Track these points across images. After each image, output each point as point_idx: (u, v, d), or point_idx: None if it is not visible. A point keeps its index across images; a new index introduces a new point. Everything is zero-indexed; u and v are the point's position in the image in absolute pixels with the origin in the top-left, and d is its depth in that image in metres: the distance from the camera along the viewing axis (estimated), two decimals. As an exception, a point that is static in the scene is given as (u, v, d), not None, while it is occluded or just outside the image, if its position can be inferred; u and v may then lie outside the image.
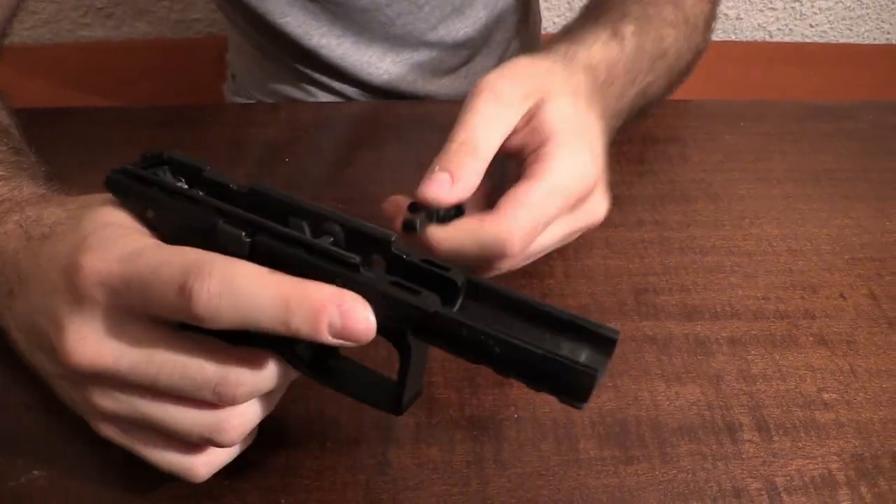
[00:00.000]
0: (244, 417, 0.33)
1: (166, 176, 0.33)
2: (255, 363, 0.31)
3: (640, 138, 0.61)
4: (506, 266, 0.40)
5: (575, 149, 0.41)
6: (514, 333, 0.28)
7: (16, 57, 0.57)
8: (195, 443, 0.33)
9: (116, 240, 0.31)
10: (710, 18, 0.62)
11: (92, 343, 0.30)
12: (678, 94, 0.61)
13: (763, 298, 0.49)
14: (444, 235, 0.38)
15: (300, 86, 0.75)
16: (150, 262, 0.29)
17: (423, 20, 0.70)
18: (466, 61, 0.76)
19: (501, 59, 0.78)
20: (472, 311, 0.30)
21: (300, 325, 0.28)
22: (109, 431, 0.34)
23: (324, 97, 0.74)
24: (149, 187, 0.32)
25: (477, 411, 0.42)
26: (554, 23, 1.22)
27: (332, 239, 0.30)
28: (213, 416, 0.32)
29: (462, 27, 0.73)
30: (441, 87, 0.76)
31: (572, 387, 0.28)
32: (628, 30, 0.51)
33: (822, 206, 0.56)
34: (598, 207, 0.43)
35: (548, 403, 0.43)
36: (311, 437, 0.40)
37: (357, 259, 0.28)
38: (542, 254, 0.43)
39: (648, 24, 0.53)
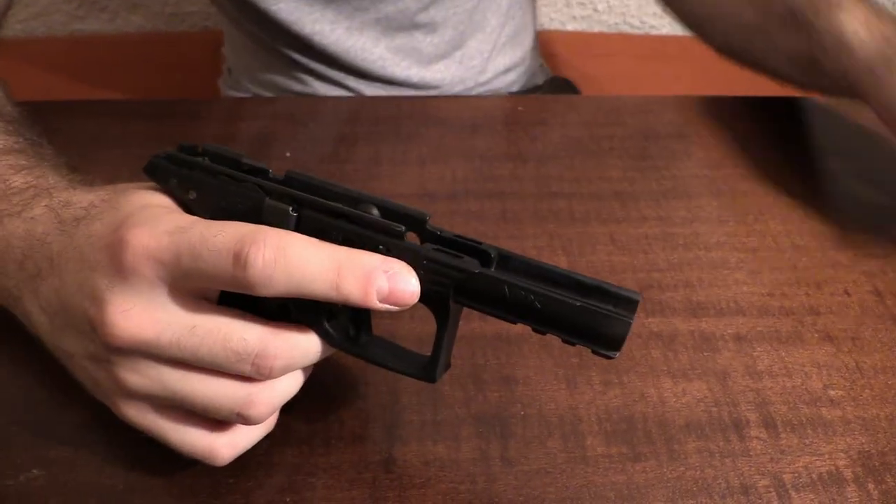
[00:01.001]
0: (274, 392, 0.33)
1: (205, 162, 0.34)
2: (293, 337, 0.32)
3: (641, 134, 0.60)
4: None
5: None
6: (551, 289, 0.30)
7: (8, 50, 0.57)
8: (222, 419, 0.34)
9: (161, 216, 0.32)
10: None
11: (135, 316, 0.31)
12: (681, 90, 0.61)
13: (768, 295, 0.49)
14: None
15: (296, 76, 0.74)
16: (202, 233, 0.30)
17: (416, 3, 0.70)
18: (460, 46, 0.75)
19: (496, 45, 0.78)
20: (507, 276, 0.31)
21: (350, 290, 0.30)
22: (132, 412, 0.34)
23: (320, 86, 0.73)
24: (191, 170, 0.33)
25: (483, 408, 0.41)
26: (551, 18, 1.22)
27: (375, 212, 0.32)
28: (245, 389, 0.32)
29: (453, 8, 0.72)
30: (436, 72, 0.75)
31: (609, 335, 0.30)
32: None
33: (826, 202, 0.56)
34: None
35: (554, 400, 0.42)
36: (316, 435, 0.40)
37: (402, 228, 0.31)
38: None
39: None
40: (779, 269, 0.51)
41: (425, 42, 0.72)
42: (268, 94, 0.78)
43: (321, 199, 0.32)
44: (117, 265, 0.31)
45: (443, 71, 0.75)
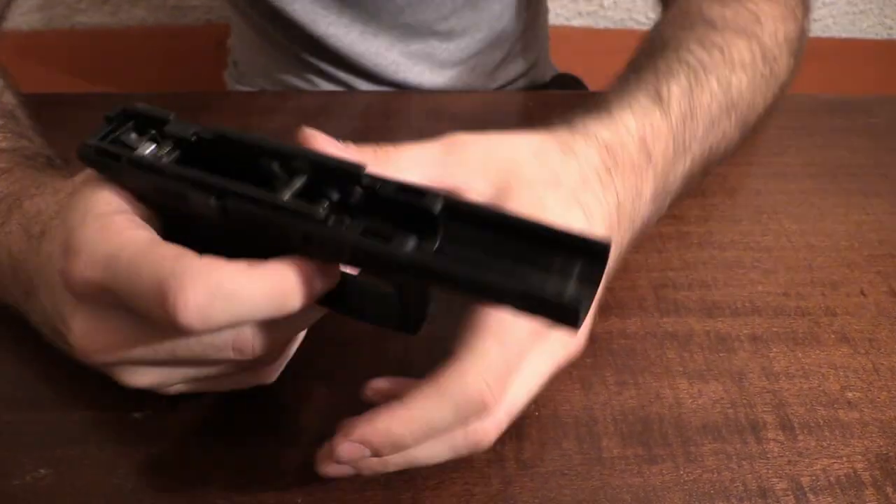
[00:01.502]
0: (273, 353, 0.33)
1: (130, 137, 0.31)
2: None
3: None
4: (489, 431, 0.34)
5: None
6: (494, 269, 0.27)
7: (10, 42, 0.56)
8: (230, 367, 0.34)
9: (98, 238, 0.29)
10: (798, 39, 0.52)
11: (98, 338, 0.30)
12: None
13: (784, 295, 0.48)
14: (397, 416, 0.32)
15: (304, 76, 0.74)
16: (129, 271, 0.28)
17: (434, 10, 0.69)
18: (476, 54, 0.75)
19: (510, 53, 0.77)
20: (456, 236, 0.28)
21: (293, 306, 0.29)
22: (171, 391, 0.35)
23: (329, 88, 0.72)
24: (116, 160, 0.30)
25: (497, 408, 0.41)
26: (557, 14, 1.21)
27: (303, 180, 0.28)
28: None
29: (474, 19, 0.72)
30: (448, 77, 0.74)
31: (560, 319, 0.26)
32: (676, 89, 0.43)
33: (839, 201, 0.56)
34: (573, 337, 0.36)
35: (569, 401, 0.42)
36: (329, 433, 0.39)
37: (322, 213, 0.27)
38: (523, 405, 0.36)
39: (708, 73, 0.45)
40: (794, 268, 0.50)
41: (441, 49, 0.72)
42: (275, 89, 0.77)
43: (245, 187, 0.28)
44: (69, 291, 0.30)
45: (454, 77, 0.74)
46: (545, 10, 0.84)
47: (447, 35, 0.72)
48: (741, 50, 0.48)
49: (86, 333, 0.30)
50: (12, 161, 0.41)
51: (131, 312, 0.29)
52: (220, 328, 0.28)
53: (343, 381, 0.41)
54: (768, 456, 0.40)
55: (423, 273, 0.27)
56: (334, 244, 0.28)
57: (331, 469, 0.34)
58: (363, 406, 0.40)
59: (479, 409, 0.31)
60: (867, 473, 0.39)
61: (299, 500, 0.37)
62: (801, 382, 0.43)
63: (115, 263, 0.28)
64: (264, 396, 0.39)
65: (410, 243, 0.27)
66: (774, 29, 0.50)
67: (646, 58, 0.48)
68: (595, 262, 0.26)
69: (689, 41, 0.47)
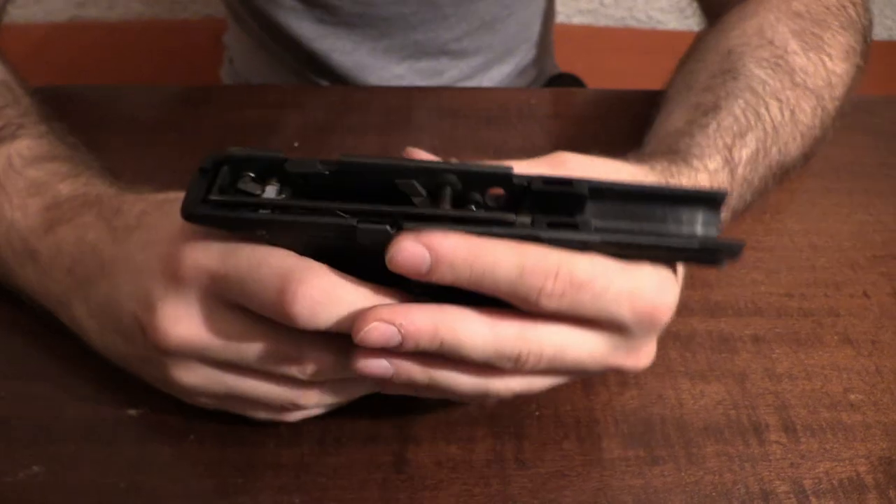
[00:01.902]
0: (317, 398, 0.35)
1: (248, 185, 0.30)
2: (337, 352, 0.32)
3: (657, 129, 0.59)
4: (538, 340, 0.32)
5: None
6: (643, 232, 0.31)
7: (7, 35, 0.55)
8: (275, 411, 0.36)
9: (216, 233, 0.31)
10: (852, 82, 0.53)
11: (185, 323, 0.31)
12: None
13: (786, 295, 0.48)
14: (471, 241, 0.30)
15: (297, 78, 0.73)
16: (249, 262, 0.30)
17: (447, 30, 0.68)
18: (485, 71, 0.74)
19: (518, 67, 0.77)
20: (604, 212, 0.31)
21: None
22: (201, 401, 0.36)
23: None
24: (248, 211, 0.29)
25: (497, 408, 0.40)
26: (557, 11, 1.20)
27: (449, 191, 0.30)
28: (292, 392, 0.34)
29: (488, 40, 0.71)
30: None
31: (719, 262, 0.31)
32: (745, 154, 0.44)
33: (843, 200, 0.55)
34: (646, 353, 0.35)
35: (570, 401, 0.41)
36: (327, 433, 0.39)
37: (513, 217, 0.30)
38: (531, 385, 0.34)
39: (776, 138, 0.46)
40: (797, 268, 0.50)
41: (451, 66, 0.71)
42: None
43: (418, 209, 0.29)
44: (171, 276, 0.31)
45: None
46: (552, 19, 0.84)
47: (459, 54, 0.71)
48: (807, 114, 0.49)
49: (174, 315, 0.31)
50: (77, 168, 0.41)
51: (227, 306, 0.31)
52: (320, 328, 0.30)
53: (341, 379, 0.41)
54: (770, 458, 0.39)
55: (611, 246, 0.30)
56: (526, 241, 0.30)
57: (373, 333, 0.29)
58: (366, 407, 0.40)
59: (541, 287, 0.29)
60: (870, 477, 0.39)
61: (297, 500, 0.36)
62: (803, 384, 0.43)
63: (234, 254, 0.30)
64: (262, 394, 0.39)
65: (589, 225, 0.30)
66: (840, 94, 0.51)
67: (721, 87, 0.47)
68: (713, 208, 0.31)
69: (766, 89, 0.47)
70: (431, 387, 0.32)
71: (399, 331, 0.29)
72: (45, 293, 0.38)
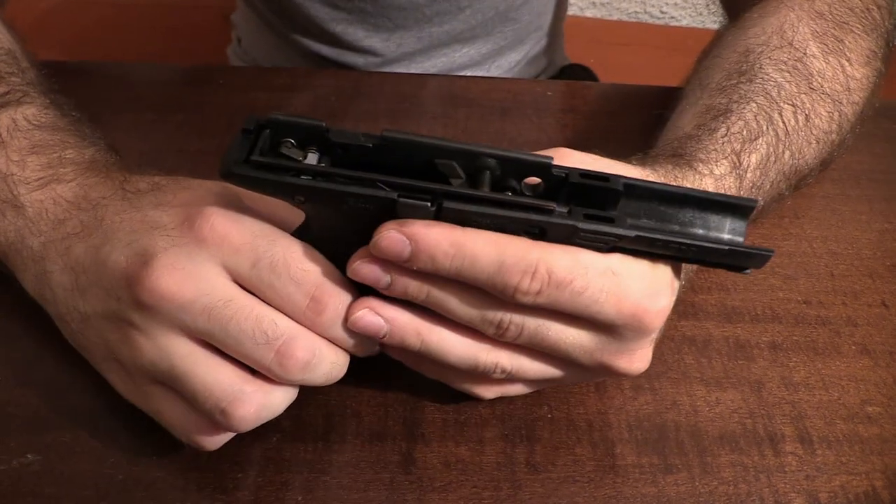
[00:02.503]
0: (267, 398, 0.32)
1: (290, 150, 0.30)
2: (321, 342, 0.32)
3: (674, 127, 0.58)
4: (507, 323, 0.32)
5: (652, 263, 0.33)
6: (686, 233, 0.32)
7: (12, 12, 0.53)
8: (203, 413, 0.32)
9: (245, 212, 0.32)
10: (872, 87, 0.51)
11: (178, 276, 0.31)
12: None
13: (804, 303, 0.47)
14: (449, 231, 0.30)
15: (307, 64, 0.71)
16: (286, 257, 0.31)
17: (462, 21, 0.67)
18: (495, 58, 0.73)
19: (527, 56, 0.75)
20: (633, 210, 0.32)
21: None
22: (135, 385, 0.33)
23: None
24: (290, 175, 0.29)
25: (508, 409, 0.39)
26: (570, 3, 1.19)
27: (488, 176, 0.30)
28: (241, 384, 0.32)
29: (503, 30, 0.69)
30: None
31: (747, 266, 0.32)
32: (755, 159, 0.43)
33: (862, 207, 0.54)
34: (639, 356, 0.34)
35: (582, 404, 0.40)
36: (332, 430, 0.38)
37: (553, 205, 0.29)
38: (521, 365, 0.34)
39: (789, 143, 0.45)
40: (815, 275, 0.48)
41: (461, 52, 0.69)
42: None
43: (458, 189, 0.29)
44: (189, 231, 0.31)
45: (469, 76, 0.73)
46: (566, 11, 0.82)
47: (470, 41, 0.69)
48: (823, 118, 0.47)
49: (171, 265, 0.31)
50: (86, 141, 0.40)
51: (229, 278, 0.31)
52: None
53: (351, 374, 0.40)
54: (786, 469, 0.38)
55: (643, 241, 0.30)
56: (566, 232, 0.30)
57: (362, 267, 0.31)
58: (373, 404, 0.39)
59: (517, 284, 0.30)
60: (886, 492, 0.38)
61: (300, 499, 0.35)
62: (820, 394, 0.42)
63: (270, 244, 0.31)
64: (266, 387, 0.38)
65: (624, 220, 0.30)
66: (859, 98, 0.50)
67: (735, 90, 0.46)
68: (741, 216, 0.32)
69: (781, 93, 0.46)
70: (424, 351, 0.33)
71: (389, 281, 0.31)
72: (18, 246, 0.36)
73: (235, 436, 0.37)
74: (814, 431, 0.40)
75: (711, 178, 0.41)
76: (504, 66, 0.74)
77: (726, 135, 0.44)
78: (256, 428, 0.37)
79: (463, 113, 0.55)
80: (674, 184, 0.35)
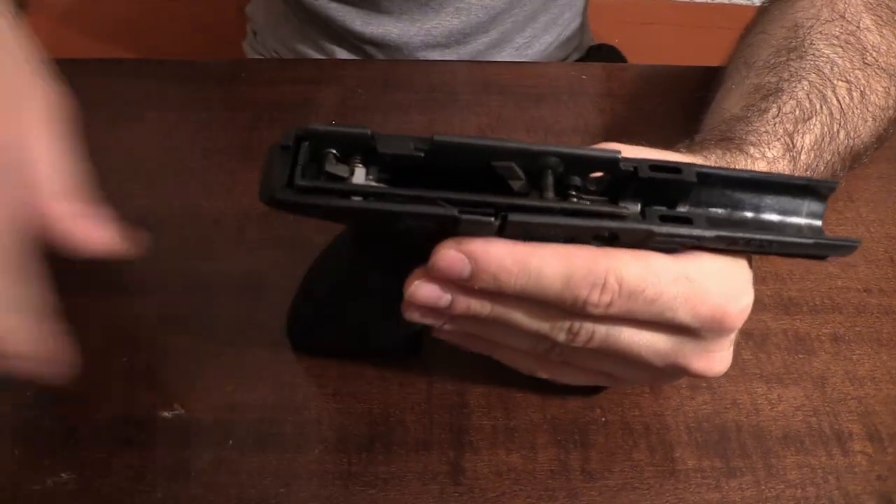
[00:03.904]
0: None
1: (335, 167, 0.27)
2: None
3: (717, 108, 0.55)
4: (580, 333, 0.30)
5: (729, 260, 0.31)
6: (766, 227, 0.30)
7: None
8: None
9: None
10: None
11: None
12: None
13: (865, 291, 0.44)
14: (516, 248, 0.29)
15: (322, 45, 0.69)
16: None
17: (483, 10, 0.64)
18: (521, 48, 0.70)
19: (560, 38, 0.72)
20: (703, 199, 0.30)
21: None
22: None
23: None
24: (340, 198, 0.27)
25: (560, 413, 0.37)
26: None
27: (550, 175, 0.28)
28: None
29: (531, 24, 0.66)
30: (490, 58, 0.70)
31: (831, 256, 0.30)
32: (809, 139, 0.41)
33: (919, 187, 0.51)
34: (719, 358, 0.32)
35: (637, 406, 0.38)
36: (376, 439, 0.36)
37: (627, 210, 0.28)
38: (589, 374, 0.33)
39: (844, 122, 0.43)
40: (874, 261, 0.46)
41: (487, 42, 0.67)
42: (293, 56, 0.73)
43: (524, 201, 0.27)
44: None
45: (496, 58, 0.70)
46: None
47: (498, 27, 0.66)
48: (878, 94, 0.45)
49: None
50: None
51: None
52: None
53: (394, 379, 0.38)
54: (856, 470, 0.36)
55: (724, 241, 0.29)
56: (640, 236, 0.28)
57: (421, 288, 0.29)
58: (418, 411, 0.37)
59: (586, 297, 0.28)
60: (964, 491, 0.36)
61: (346, 513, 0.33)
62: (888, 388, 0.40)
63: None
64: (303, 408, 0.36)
65: (703, 221, 0.29)
66: None
67: (785, 67, 0.44)
68: (819, 199, 0.30)
69: (834, 69, 0.44)
70: (492, 316, 0.30)
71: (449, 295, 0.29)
72: None
73: (276, 448, 0.35)
74: (883, 428, 0.38)
75: (764, 161, 0.39)
76: (537, 49, 0.71)
77: (778, 115, 0.41)
78: (297, 439, 0.35)
79: (496, 101, 0.52)
80: (748, 169, 0.34)
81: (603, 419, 0.37)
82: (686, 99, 0.53)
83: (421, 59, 0.65)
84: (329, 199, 0.27)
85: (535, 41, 0.70)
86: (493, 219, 0.27)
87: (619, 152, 0.28)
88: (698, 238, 0.28)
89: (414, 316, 0.31)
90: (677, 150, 0.37)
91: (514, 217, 0.27)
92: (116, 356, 0.38)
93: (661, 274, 0.29)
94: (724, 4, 1.23)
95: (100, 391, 0.36)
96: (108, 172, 0.47)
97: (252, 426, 0.36)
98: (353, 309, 0.35)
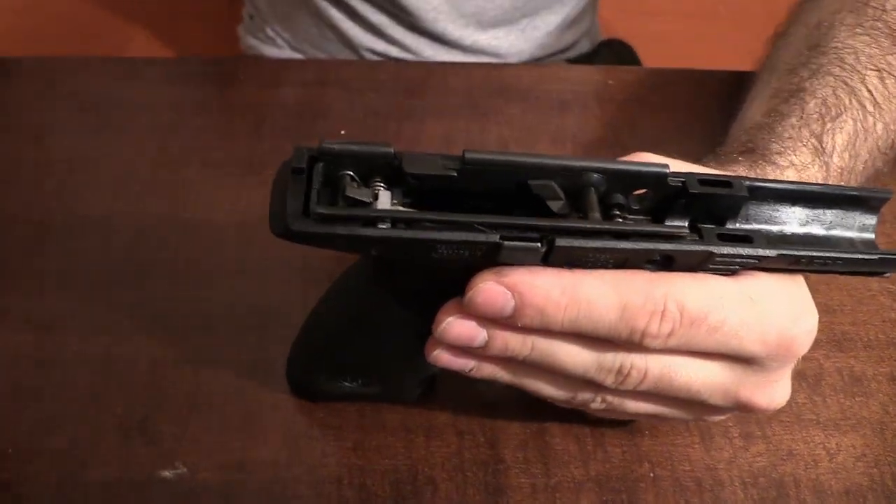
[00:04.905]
0: None
1: (356, 191, 0.24)
2: None
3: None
4: (635, 368, 0.28)
5: (787, 278, 0.28)
6: (814, 241, 0.28)
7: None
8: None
9: None
10: None
11: None
12: (732, 53, 0.51)
13: (921, 323, 0.41)
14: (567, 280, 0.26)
15: (327, 15, 0.64)
16: None
17: None
18: (530, 14, 0.66)
19: (566, 19, 0.68)
20: (750, 214, 0.28)
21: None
22: None
23: (357, 33, 0.63)
24: (365, 226, 0.24)
25: (604, 468, 0.34)
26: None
27: (593, 193, 0.26)
28: None
29: None
30: (492, 38, 0.65)
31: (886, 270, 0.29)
32: (840, 139, 0.38)
33: (966, 206, 0.48)
34: (781, 388, 0.30)
35: (688, 458, 0.34)
36: (403, 501, 0.32)
37: (685, 229, 0.26)
38: (643, 409, 0.30)
39: (879, 114, 0.39)
40: (927, 289, 0.43)
41: (492, 5, 0.62)
42: (294, 40, 0.68)
43: (573, 223, 0.25)
44: None
45: (500, 38, 0.65)
46: None
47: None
48: None
49: None
50: None
51: None
52: None
53: (419, 429, 0.34)
54: (922, 528, 0.33)
55: (786, 260, 0.27)
56: (698, 258, 0.26)
57: (455, 326, 0.27)
58: (448, 466, 0.33)
59: (644, 328, 0.26)
60: None
61: (373, 590, 0.30)
62: (953, 434, 0.37)
63: None
64: (320, 465, 0.32)
65: (762, 240, 0.26)
66: None
67: (805, 66, 0.40)
68: (871, 210, 0.28)
69: (861, 58, 0.40)
70: (532, 359, 0.27)
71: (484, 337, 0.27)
72: None
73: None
74: (952, 481, 0.35)
75: (793, 169, 0.36)
76: (542, 28, 0.67)
77: (802, 117, 0.38)
78: (315, 501, 0.32)
79: (517, 108, 0.48)
80: (799, 181, 0.31)
81: (651, 475, 0.34)
82: (723, 105, 0.49)
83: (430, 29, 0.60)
84: (353, 227, 0.24)
85: (534, 18, 0.65)
86: (539, 244, 0.25)
87: (668, 166, 0.26)
88: (760, 258, 0.26)
89: (441, 358, 0.28)
90: (707, 164, 0.34)
91: (561, 242, 0.24)
92: (108, 406, 0.33)
93: (724, 297, 0.26)
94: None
95: (91, 447, 0.32)
96: (93, 186, 0.43)
97: (264, 488, 0.32)
98: (365, 348, 0.32)
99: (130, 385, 0.34)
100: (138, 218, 0.41)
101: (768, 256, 0.26)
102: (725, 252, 0.26)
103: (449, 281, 0.27)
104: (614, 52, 0.80)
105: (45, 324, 0.36)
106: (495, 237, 0.24)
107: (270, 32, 0.71)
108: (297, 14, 0.68)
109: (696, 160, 0.33)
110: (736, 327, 0.26)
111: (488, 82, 0.50)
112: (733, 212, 0.27)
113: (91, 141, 0.44)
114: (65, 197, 0.42)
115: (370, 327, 0.30)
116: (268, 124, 0.46)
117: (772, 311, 0.27)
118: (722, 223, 0.27)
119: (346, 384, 0.33)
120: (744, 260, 0.26)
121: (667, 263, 0.26)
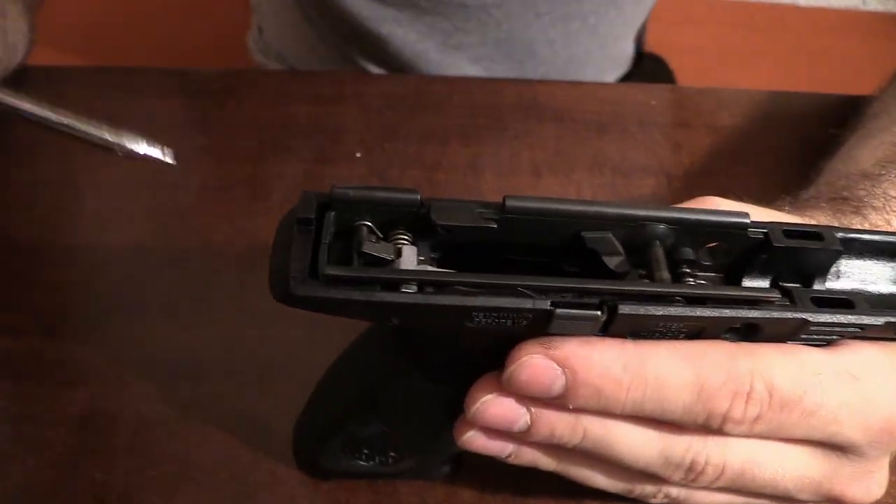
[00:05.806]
0: None
1: (375, 246, 0.21)
2: None
3: (811, 141, 0.46)
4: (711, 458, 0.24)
5: (887, 348, 0.25)
6: None
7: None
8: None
9: None
10: None
11: None
12: (768, 64, 0.46)
13: None
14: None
15: (337, 62, 0.60)
16: None
17: (539, 30, 0.55)
18: (575, 73, 0.61)
19: (613, 62, 0.64)
20: (849, 273, 0.25)
21: None
22: None
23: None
24: (387, 290, 0.20)
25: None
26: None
27: (659, 248, 0.22)
28: None
29: (584, 39, 0.58)
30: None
31: None
32: None
33: None
34: (878, 480, 0.26)
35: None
36: None
37: (776, 294, 0.22)
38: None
39: None
40: None
41: (537, 71, 0.58)
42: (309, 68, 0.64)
43: (642, 287, 0.21)
44: None
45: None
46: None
47: (548, 58, 0.57)
48: None
49: None
50: None
51: None
52: None
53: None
54: None
55: (892, 328, 0.23)
56: (790, 327, 0.23)
57: (492, 407, 0.23)
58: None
59: (726, 412, 0.22)
60: None
61: None
62: None
63: None
64: None
65: (863, 304, 0.23)
66: None
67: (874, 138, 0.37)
68: None
69: None
70: (583, 448, 0.24)
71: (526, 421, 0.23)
72: None
73: None
74: None
75: (887, 228, 0.31)
76: (587, 78, 0.63)
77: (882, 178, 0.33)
78: None
79: (552, 130, 0.44)
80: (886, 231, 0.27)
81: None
82: (784, 134, 0.45)
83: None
84: (371, 292, 0.20)
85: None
86: (598, 312, 0.21)
87: (748, 215, 0.23)
88: (862, 326, 0.23)
89: (475, 442, 0.24)
90: (781, 210, 0.30)
91: (625, 308, 0.21)
92: (86, 472, 0.29)
93: (820, 373, 0.23)
94: (767, 4, 1.15)
95: None
96: (79, 214, 0.39)
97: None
98: (383, 425, 0.27)
99: (111, 450, 0.30)
100: (129, 249, 0.37)
101: (874, 325, 0.23)
102: (823, 320, 0.22)
103: (483, 351, 0.22)
104: (647, 70, 0.75)
105: (17, 375, 0.32)
106: (545, 304, 0.20)
107: (278, 53, 0.67)
108: (303, 52, 0.64)
109: (759, 199, 0.29)
110: (835, 411, 0.23)
111: (519, 100, 0.46)
112: (823, 269, 0.24)
113: (75, 164, 0.40)
114: (53, 221, 0.38)
115: (389, 401, 0.26)
116: (269, 144, 0.42)
117: (877, 391, 0.23)
118: (809, 282, 0.24)
119: (362, 463, 0.28)
120: (844, 329, 0.23)
121: (750, 333, 0.23)
